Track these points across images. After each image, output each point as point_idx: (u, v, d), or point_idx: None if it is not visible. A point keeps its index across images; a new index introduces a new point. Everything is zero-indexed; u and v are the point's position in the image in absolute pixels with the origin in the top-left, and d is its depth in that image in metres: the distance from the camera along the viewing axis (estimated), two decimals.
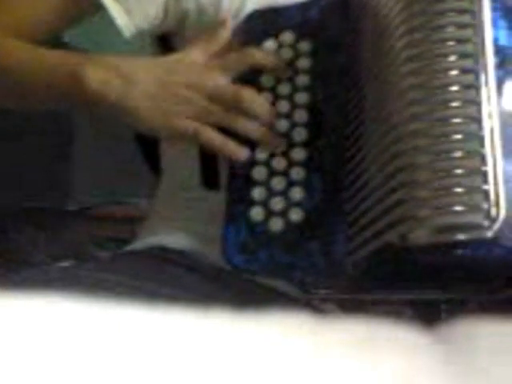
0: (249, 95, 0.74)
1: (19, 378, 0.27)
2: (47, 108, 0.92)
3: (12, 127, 1.79)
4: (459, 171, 0.60)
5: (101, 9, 0.85)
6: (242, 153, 0.73)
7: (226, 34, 0.77)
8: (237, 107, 0.74)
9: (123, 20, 0.84)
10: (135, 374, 0.28)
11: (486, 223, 0.58)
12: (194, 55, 0.76)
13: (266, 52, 0.77)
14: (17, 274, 0.74)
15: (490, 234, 0.58)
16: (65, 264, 0.97)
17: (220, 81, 0.74)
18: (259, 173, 0.74)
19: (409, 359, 0.32)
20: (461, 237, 0.59)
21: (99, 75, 0.75)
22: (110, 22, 0.87)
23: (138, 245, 0.88)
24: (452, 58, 0.64)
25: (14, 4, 0.87)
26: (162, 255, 0.83)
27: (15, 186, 1.84)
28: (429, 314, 0.72)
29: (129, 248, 0.89)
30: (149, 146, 1.01)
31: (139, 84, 0.74)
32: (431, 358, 0.33)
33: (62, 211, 1.87)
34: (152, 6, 0.83)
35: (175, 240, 0.84)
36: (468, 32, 0.64)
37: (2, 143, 1.80)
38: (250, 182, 0.74)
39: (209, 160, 0.79)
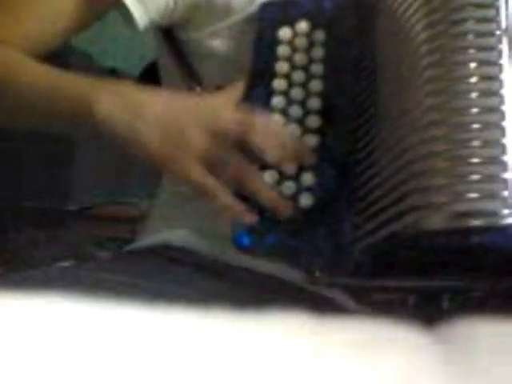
0: (260, 133, 0.73)
1: (19, 377, 0.27)
2: (51, 128, 0.91)
3: (12, 128, 1.79)
4: (477, 160, 0.60)
5: (118, 4, 0.84)
6: (247, 218, 0.73)
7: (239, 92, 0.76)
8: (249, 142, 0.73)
9: (138, 11, 0.84)
10: (135, 373, 0.28)
11: (504, 211, 0.59)
12: (211, 99, 0.76)
13: (285, 131, 0.76)
14: (17, 274, 0.74)
15: (507, 221, 0.58)
16: (65, 264, 0.97)
17: (231, 120, 0.73)
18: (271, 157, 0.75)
19: (409, 359, 0.32)
20: (478, 223, 0.59)
21: (108, 106, 0.74)
22: (114, 20, 0.87)
23: (141, 244, 0.88)
24: (472, 51, 0.64)
25: (37, 4, 0.86)
26: (164, 254, 0.83)
27: (15, 186, 1.84)
28: (431, 302, 0.73)
29: (130, 247, 0.89)
30: None
31: (147, 120, 0.73)
32: (431, 358, 0.33)
33: (62, 211, 1.87)
34: None
35: (178, 237, 0.84)
36: (488, 26, 0.65)
37: (2, 143, 1.80)
38: (262, 165, 0.74)
39: None
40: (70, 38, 0.90)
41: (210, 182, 0.71)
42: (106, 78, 0.80)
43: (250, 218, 0.72)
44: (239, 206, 0.71)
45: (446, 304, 0.72)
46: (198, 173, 0.71)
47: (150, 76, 0.98)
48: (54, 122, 0.84)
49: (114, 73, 2.56)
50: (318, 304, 0.75)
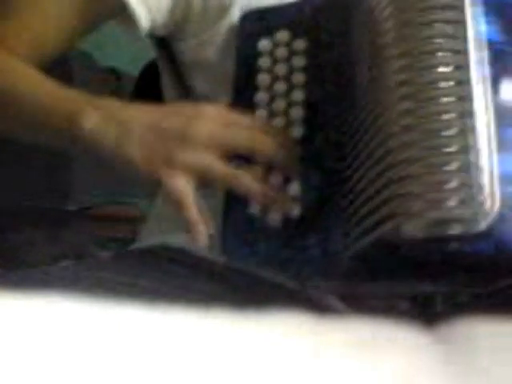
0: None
1: (19, 377, 0.27)
2: (41, 143, 0.91)
3: (12, 137, 1.79)
4: (453, 166, 0.60)
5: (120, 10, 0.85)
6: (202, 238, 0.73)
7: None
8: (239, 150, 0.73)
9: (142, 13, 0.84)
10: (135, 373, 0.28)
11: (479, 217, 0.59)
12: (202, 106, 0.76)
13: (270, 126, 0.77)
14: (16, 274, 0.74)
15: (483, 227, 0.59)
16: (65, 264, 0.97)
17: (215, 130, 0.73)
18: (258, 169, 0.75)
19: (409, 359, 0.32)
20: (454, 230, 0.59)
21: (95, 121, 0.75)
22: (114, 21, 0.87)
23: (141, 244, 0.88)
24: (443, 54, 0.64)
25: (39, 10, 0.87)
26: (164, 254, 0.83)
27: (15, 186, 1.84)
28: (425, 306, 0.73)
29: (129, 248, 0.89)
30: None
31: (134, 131, 0.74)
32: (431, 358, 0.33)
33: (62, 211, 1.87)
34: None
35: (177, 238, 0.84)
36: (458, 28, 0.65)
37: (2, 143, 1.80)
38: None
39: None
40: (73, 44, 0.90)
41: (186, 199, 0.71)
42: (93, 95, 0.80)
43: (203, 240, 0.72)
44: (201, 226, 0.71)
45: (439, 307, 0.72)
46: (178, 187, 0.72)
47: (149, 76, 0.98)
48: (41, 138, 0.84)
49: (114, 73, 2.57)
50: (314, 305, 0.75)
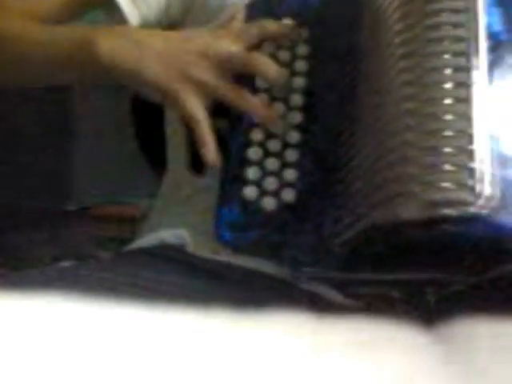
0: (261, 59, 0.75)
1: (19, 377, 0.27)
2: (47, 84, 0.93)
3: (12, 127, 1.79)
4: (448, 149, 0.62)
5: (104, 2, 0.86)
6: (213, 160, 0.75)
7: (239, 22, 0.79)
8: (249, 70, 0.75)
9: (129, 8, 0.85)
10: (135, 373, 0.28)
11: (471, 199, 0.60)
12: (210, 32, 0.78)
13: (279, 23, 0.78)
14: (16, 274, 0.74)
15: (474, 209, 0.60)
16: (65, 264, 0.97)
17: (232, 48, 0.75)
18: (254, 153, 0.76)
19: (409, 359, 0.33)
20: (448, 212, 0.61)
21: (111, 46, 0.76)
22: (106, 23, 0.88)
23: (139, 243, 0.88)
24: (445, 42, 0.66)
25: None
26: (163, 254, 0.83)
27: (15, 186, 1.84)
28: (415, 296, 0.74)
29: (129, 248, 0.89)
30: (150, 146, 1.01)
31: (151, 47, 0.76)
32: (431, 358, 0.33)
33: (62, 211, 1.87)
34: None
35: (176, 235, 0.84)
36: (461, 17, 0.66)
37: (1, 143, 1.80)
38: (245, 162, 0.75)
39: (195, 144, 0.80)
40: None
41: (200, 115, 0.74)
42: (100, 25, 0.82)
43: (214, 162, 0.74)
44: (212, 145, 0.74)
45: (430, 296, 0.73)
46: (193, 104, 0.74)
47: None
48: (52, 74, 0.85)
49: None
50: (313, 302, 0.75)
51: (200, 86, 0.74)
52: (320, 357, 0.31)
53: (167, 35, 0.79)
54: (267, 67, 0.75)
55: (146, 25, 0.88)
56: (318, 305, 0.73)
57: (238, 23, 0.79)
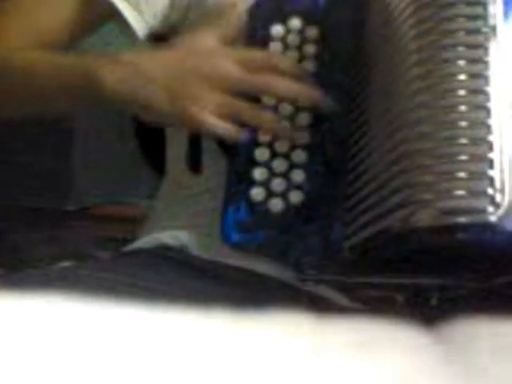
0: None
1: (19, 377, 0.27)
2: (46, 112, 0.92)
3: (12, 127, 1.79)
4: (464, 157, 0.62)
5: (114, 15, 0.86)
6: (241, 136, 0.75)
7: (235, 18, 0.78)
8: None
9: (137, 23, 0.85)
10: (135, 373, 0.28)
11: (490, 208, 0.60)
12: (205, 40, 0.77)
13: (285, 57, 0.78)
14: (16, 274, 0.74)
15: (493, 218, 0.60)
16: (65, 264, 0.97)
17: (234, 71, 0.75)
18: (261, 154, 0.76)
19: (409, 359, 0.32)
20: (464, 220, 0.60)
21: (114, 75, 0.76)
22: (110, 31, 0.88)
23: (139, 244, 0.88)
24: (460, 49, 0.65)
25: (30, 14, 0.87)
26: (163, 254, 0.83)
27: (15, 186, 1.84)
28: (420, 300, 0.73)
29: (129, 248, 0.89)
30: (150, 146, 1.01)
31: (158, 80, 0.75)
32: (431, 358, 0.33)
33: (62, 211, 1.87)
34: (159, 2, 0.85)
35: (176, 236, 0.84)
36: (478, 23, 0.66)
37: (1, 143, 1.80)
38: (252, 163, 0.75)
39: (195, 143, 0.80)
40: (71, 46, 0.91)
41: (221, 124, 0.74)
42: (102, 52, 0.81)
43: (245, 134, 0.74)
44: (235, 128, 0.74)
45: (434, 301, 0.73)
46: (210, 119, 0.74)
47: None
48: (52, 105, 0.85)
49: None
50: (313, 303, 0.75)
51: (216, 109, 0.74)
52: (320, 357, 0.31)
53: (168, 60, 0.78)
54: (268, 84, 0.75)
55: (151, 32, 0.87)
56: (317, 305, 0.73)
57: (235, 18, 0.79)
